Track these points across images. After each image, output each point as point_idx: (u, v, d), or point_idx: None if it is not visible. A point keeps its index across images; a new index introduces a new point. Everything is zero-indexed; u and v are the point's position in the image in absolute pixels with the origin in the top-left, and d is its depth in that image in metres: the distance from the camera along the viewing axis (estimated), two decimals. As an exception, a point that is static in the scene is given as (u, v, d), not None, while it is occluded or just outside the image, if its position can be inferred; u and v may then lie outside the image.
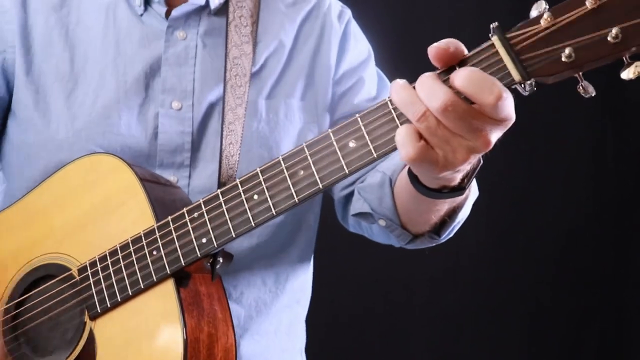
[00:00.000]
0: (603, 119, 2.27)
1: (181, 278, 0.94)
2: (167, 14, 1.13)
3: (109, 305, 0.95)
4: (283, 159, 0.86)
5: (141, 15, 1.13)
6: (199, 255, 0.91)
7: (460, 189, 0.87)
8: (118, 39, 1.13)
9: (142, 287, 0.93)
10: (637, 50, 0.68)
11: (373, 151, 0.80)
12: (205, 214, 0.91)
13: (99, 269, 0.96)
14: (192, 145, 1.10)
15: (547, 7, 0.72)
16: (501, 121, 0.73)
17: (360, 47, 1.25)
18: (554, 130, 2.27)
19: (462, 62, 0.74)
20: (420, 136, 0.74)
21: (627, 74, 0.69)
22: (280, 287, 1.18)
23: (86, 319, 0.96)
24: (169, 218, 0.94)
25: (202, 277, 0.97)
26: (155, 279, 0.93)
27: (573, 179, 2.34)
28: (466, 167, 0.80)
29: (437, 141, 0.74)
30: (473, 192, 1.00)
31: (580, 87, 0.71)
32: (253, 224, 0.88)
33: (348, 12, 1.26)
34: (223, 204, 0.90)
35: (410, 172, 0.88)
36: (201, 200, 0.92)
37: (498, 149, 0.77)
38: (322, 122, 1.18)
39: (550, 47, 0.70)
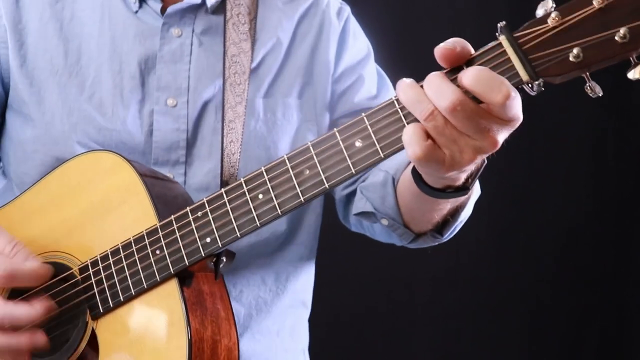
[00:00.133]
0: (603, 117, 2.28)
1: (184, 277, 0.94)
2: (162, 10, 1.13)
3: (111, 305, 0.95)
4: (288, 158, 0.86)
5: (136, 12, 1.13)
6: (203, 255, 0.91)
7: (464, 189, 0.87)
8: (114, 35, 1.13)
9: (145, 286, 0.93)
10: (645, 51, 0.69)
11: (380, 151, 0.80)
12: (209, 213, 0.91)
13: (101, 268, 0.96)
14: (187, 143, 1.11)
15: (554, 6, 0.72)
16: (509, 121, 0.73)
17: (360, 44, 1.25)
18: (555, 129, 2.28)
19: (469, 62, 0.75)
20: (428, 135, 0.75)
21: (633, 74, 0.70)
22: (281, 287, 1.18)
23: (88, 318, 0.96)
24: (172, 217, 0.94)
25: (205, 276, 0.97)
26: (158, 279, 0.93)
27: (573, 177, 2.35)
28: (471, 167, 0.81)
29: (445, 141, 0.74)
30: (475, 191, 1.01)
31: (588, 87, 0.72)
32: (258, 224, 0.88)
33: (347, 9, 1.26)
34: (227, 203, 0.90)
35: (414, 171, 0.89)
36: (205, 200, 0.92)
37: (505, 143, 0.77)
38: (321, 121, 1.18)
39: (558, 46, 0.71)
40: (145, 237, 0.94)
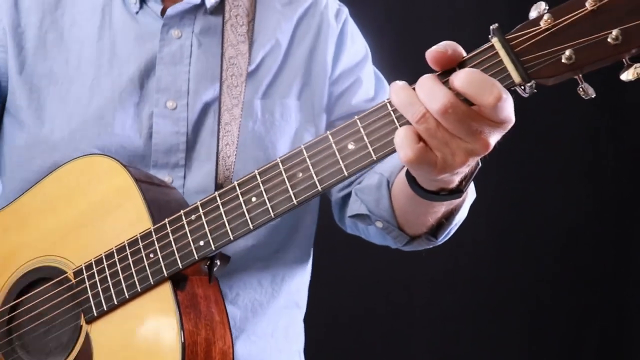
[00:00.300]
0: (597, 116, 2.28)
1: (178, 281, 0.94)
2: (163, 12, 1.13)
3: (105, 309, 0.95)
4: (281, 161, 0.87)
5: (136, 13, 1.14)
6: (196, 258, 0.92)
7: (458, 191, 0.87)
8: (114, 39, 1.13)
9: (139, 290, 0.94)
10: (638, 52, 0.69)
11: (372, 153, 0.80)
12: (202, 217, 0.92)
13: (95, 272, 0.97)
14: (187, 145, 1.11)
15: (547, 8, 0.73)
16: (500, 123, 0.73)
17: (358, 46, 1.25)
18: (549, 128, 2.28)
19: (462, 64, 0.75)
20: (420, 138, 0.75)
21: (626, 76, 0.70)
22: (277, 288, 1.19)
23: (82, 322, 0.97)
24: (166, 221, 0.94)
25: (199, 279, 0.98)
26: (152, 282, 0.93)
27: (573, 177, 2.36)
28: (464, 170, 0.81)
29: (437, 143, 0.74)
30: (470, 194, 1.01)
31: (581, 89, 0.72)
32: (251, 227, 0.89)
33: (345, 11, 1.26)
34: (221, 207, 0.91)
35: (408, 174, 0.89)
36: (198, 203, 0.93)
37: (498, 147, 0.77)
38: (318, 123, 1.19)
39: (551, 48, 0.71)
40: (139, 240, 0.95)
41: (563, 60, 0.71)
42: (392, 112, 0.79)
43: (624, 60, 0.70)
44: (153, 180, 1.05)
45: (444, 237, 1.05)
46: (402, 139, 0.75)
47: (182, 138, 1.11)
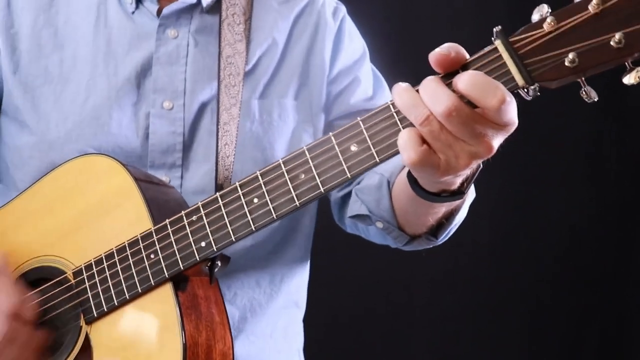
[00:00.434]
0: (600, 119, 2.29)
1: (179, 282, 0.95)
2: (159, 12, 1.14)
3: (105, 310, 0.96)
4: (283, 162, 0.87)
5: (132, 12, 1.14)
6: (197, 259, 0.92)
7: (460, 193, 0.88)
8: (109, 38, 1.13)
9: (140, 291, 0.94)
10: (640, 56, 0.70)
11: (375, 155, 0.81)
12: (204, 217, 0.92)
13: (95, 272, 0.97)
14: (184, 146, 1.11)
15: (550, 10, 0.73)
16: (504, 126, 0.74)
17: (355, 45, 1.26)
18: (552, 130, 2.29)
19: (465, 67, 0.76)
20: (423, 140, 0.76)
21: (628, 79, 0.71)
22: (275, 289, 1.19)
23: (82, 323, 0.97)
24: (167, 221, 0.95)
25: (199, 280, 0.98)
26: (153, 283, 0.94)
27: (574, 178, 2.37)
28: (466, 172, 0.82)
29: (440, 146, 0.75)
30: (470, 194, 1.02)
31: (583, 92, 0.73)
32: (253, 228, 0.90)
33: (343, 9, 1.26)
34: (222, 207, 0.91)
35: (409, 175, 0.90)
36: (200, 204, 0.93)
37: (500, 149, 0.78)
38: (317, 123, 1.19)
39: (554, 51, 0.72)
40: (140, 241, 0.96)
41: (566, 64, 0.72)
42: (395, 114, 0.80)
43: (626, 63, 0.71)
44: (152, 180, 1.05)
45: (444, 237, 1.06)
46: (406, 141, 0.76)
47: (178, 138, 1.11)
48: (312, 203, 1.22)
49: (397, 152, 0.79)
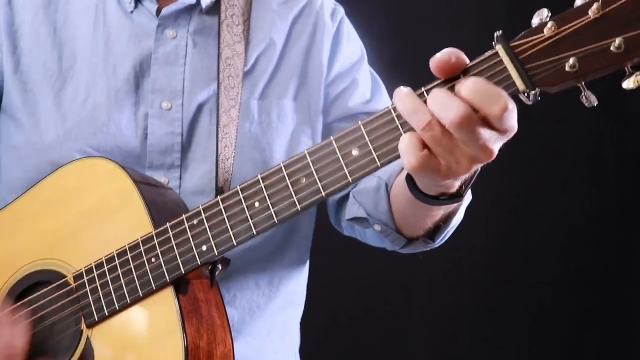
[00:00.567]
0: (601, 121, 2.31)
1: (180, 285, 0.96)
2: (158, 12, 1.15)
3: (106, 314, 0.97)
4: (285, 166, 0.88)
5: (131, 12, 1.15)
6: (199, 263, 0.93)
7: (458, 196, 0.89)
8: (108, 38, 1.14)
9: (141, 295, 0.95)
10: (640, 61, 0.72)
11: (377, 159, 0.82)
12: (205, 221, 0.93)
13: (96, 276, 0.98)
14: (183, 146, 1.12)
15: (550, 15, 0.75)
16: (504, 132, 0.75)
17: (353, 47, 1.26)
18: (556, 129, 2.30)
19: (466, 72, 0.77)
20: (424, 145, 0.77)
21: (628, 84, 0.72)
22: (274, 290, 1.20)
23: (83, 327, 0.98)
24: (168, 225, 0.95)
25: (200, 283, 0.99)
26: (154, 287, 0.95)
27: (574, 178, 2.38)
28: (466, 176, 0.83)
29: (441, 151, 0.76)
30: (467, 197, 1.03)
31: (584, 97, 0.74)
32: (255, 232, 0.90)
33: (341, 11, 1.27)
34: (224, 211, 0.92)
35: (408, 178, 0.91)
36: (201, 207, 0.94)
37: (500, 151, 0.79)
38: (315, 124, 1.20)
39: (555, 56, 0.73)
40: (141, 244, 0.96)
41: (567, 69, 0.73)
42: (396, 118, 0.80)
43: (626, 68, 0.72)
44: (150, 182, 1.06)
45: (441, 240, 1.07)
46: (407, 146, 0.77)
47: (177, 139, 1.12)
48: (313, 205, 1.24)
49: (399, 157, 0.80)
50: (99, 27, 1.15)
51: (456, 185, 0.87)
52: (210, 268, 0.98)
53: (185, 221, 0.95)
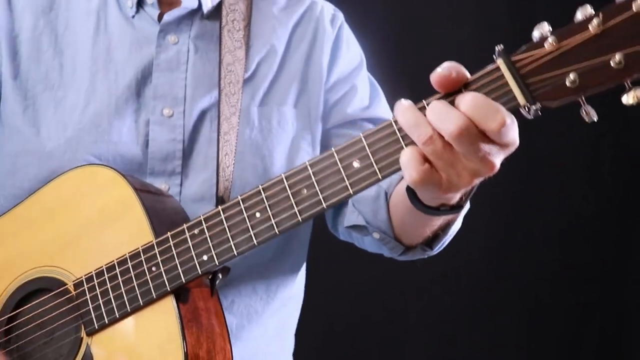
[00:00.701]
0: (602, 123, 2.32)
1: (180, 293, 0.97)
2: (159, 17, 1.15)
3: (106, 322, 0.98)
4: (286, 177, 0.89)
5: (133, 17, 1.15)
6: (200, 272, 0.94)
7: (458, 207, 0.91)
8: (109, 44, 1.14)
9: (141, 303, 0.96)
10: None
11: (378, 172, 0.83)
12: (206, 231, 0.94)
13: (96, 284, 0.99)
14: (184, 153, 1.13)
15: (550, 29, 0.76)
16: (504, 145, 0.77)
17: (353, 52, 1.27)
18: (554, 130, 2.31)
19: (467, 85, 0.78)
20: (425, 159, 0.78)
21: (627, 99, 0.74)
22: (272, 295, 1.21)
23: (83, 334, 0.99)
24: (169, 234, 0.96)
25: (200, 291, 1.00)
26: (154, 296, 0.96)
27: (573, 175, 2.39)
28: (467, 188, 0.84)
29: (442, 165, 0.78)
30: (465, 205, 1.04)
31: (583, 112, 0.76)
32: (255, 242, 0.91)
33: (341, 17, 1.28)
34: (224, 221, 0.93)
35: (408, 189, 0.91)
36: (201, 217, 0.95)
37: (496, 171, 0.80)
38: (315, 130, 1.20)
39: (555, 71, 0.74)
40: (141, 253, 0.97)
41: (567, 84, 0.74)
42: (397, 131, 0.82)
43: (625, 83, 0.73)
44: (150, 189, 1.07)
45: (439, 247, 1.08)
46: (408, 159, 0.78)
47: (178, 145, 1.13)
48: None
49: (400, 169, 0.81)
50: (99, 32, 1.15)
51: (457, 196, 0.88)
52: (210, 277, 1.00)
53: (186, 230, 0.96)
